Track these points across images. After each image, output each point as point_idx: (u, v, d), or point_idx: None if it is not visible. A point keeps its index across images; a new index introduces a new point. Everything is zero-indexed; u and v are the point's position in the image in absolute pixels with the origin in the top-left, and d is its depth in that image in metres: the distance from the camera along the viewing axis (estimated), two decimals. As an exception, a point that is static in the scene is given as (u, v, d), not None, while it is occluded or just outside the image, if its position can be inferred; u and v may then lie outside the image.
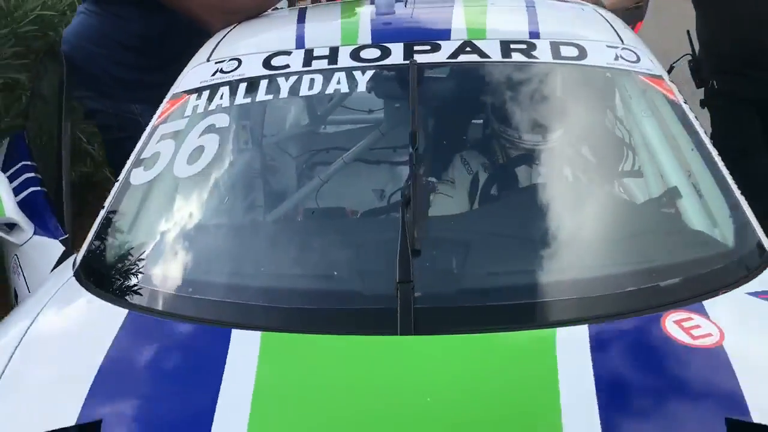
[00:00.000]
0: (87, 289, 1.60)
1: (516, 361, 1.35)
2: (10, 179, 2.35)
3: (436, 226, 1.63)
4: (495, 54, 1.94)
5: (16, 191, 2.31)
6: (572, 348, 1.34)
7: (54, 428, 1.24)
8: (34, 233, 2.03)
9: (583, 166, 1.96)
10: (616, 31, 2.12)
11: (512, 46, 1.97)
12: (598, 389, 1.25)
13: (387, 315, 1.40)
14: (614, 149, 2.02)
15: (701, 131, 1.89)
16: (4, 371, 1.38)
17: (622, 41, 2.06)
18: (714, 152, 1.83)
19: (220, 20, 2.30)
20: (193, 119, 1.91)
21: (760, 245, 1.63)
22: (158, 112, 2.00)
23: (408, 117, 1.72)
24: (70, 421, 1.25)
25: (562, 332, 1.37)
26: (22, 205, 2.22)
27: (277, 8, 2.55)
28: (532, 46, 1.97)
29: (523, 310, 1.44)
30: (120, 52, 2.44)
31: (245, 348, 1.37)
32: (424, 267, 1.48)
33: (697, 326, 1.39)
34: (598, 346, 1.34)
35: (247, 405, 1.25)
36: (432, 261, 1.51)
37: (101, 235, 1.75)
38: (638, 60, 2.01)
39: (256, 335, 1.40)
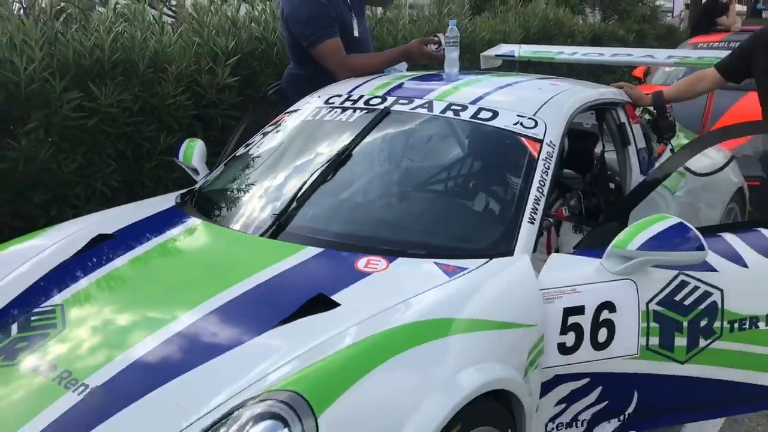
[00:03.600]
0: (178, 199, 3.10)
1: (258, 255, 2.47)
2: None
3: (323, 195, 2.75)
4: (436, 110, 2.95)
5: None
6: (298, 257, 2.40)
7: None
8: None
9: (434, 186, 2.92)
10: (540, 108, 2.90)
11: (452, 107, 2.94)
12: (268, 282, 2.30)
13: (265, 227, 2.63)
14: (466, 176, 2.87)
15: (537, 179, 2.64)
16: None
17: (535, 114, 2.86)
18: (534, 195, 2.59)
19: (343, 75, 3.65)
20: (271, 127, 3.32)
21: (493, 250, 2.44)
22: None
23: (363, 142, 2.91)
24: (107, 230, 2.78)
25: (308, 249, 2.44)
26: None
27: (395, 69, 3.80)
28: (464, 108, 2.92)
29: (306, 236, 2.54)
30: (299, 90, 3.94)
31: (186, 224, 2.74)
32: (296, 211, 2.66)
33: (376, 264, 2.34)
34: (314, 259, 2.39)
35: (140, 249, 2.60)
36: (301, 211, 2.67)
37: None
38: (533, 127, 2.80)
39: (198, 221, 2.76)
